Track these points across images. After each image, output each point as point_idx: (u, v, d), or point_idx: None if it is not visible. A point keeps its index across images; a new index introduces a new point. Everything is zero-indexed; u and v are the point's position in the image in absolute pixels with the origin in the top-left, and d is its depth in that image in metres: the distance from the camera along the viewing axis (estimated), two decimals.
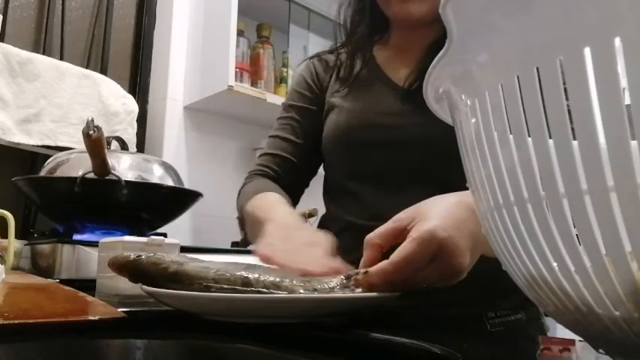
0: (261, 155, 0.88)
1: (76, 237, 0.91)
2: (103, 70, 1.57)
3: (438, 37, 0.77)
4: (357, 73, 0.81)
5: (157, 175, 1.08)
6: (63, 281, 0.79)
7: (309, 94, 0.87)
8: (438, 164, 0.70)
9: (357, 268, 0.51)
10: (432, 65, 0.30)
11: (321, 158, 0.86)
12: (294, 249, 0.59)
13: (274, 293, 0.44)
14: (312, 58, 0.91)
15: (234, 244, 1.61)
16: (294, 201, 0.86)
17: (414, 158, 0.73)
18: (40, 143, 1.35)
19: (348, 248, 0.75)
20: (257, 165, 0.87)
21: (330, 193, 0.85)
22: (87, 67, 1.53)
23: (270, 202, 0.75)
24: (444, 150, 0.69)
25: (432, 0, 0.73)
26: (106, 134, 0.89)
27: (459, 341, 0.42)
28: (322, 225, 0.84)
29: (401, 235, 0.49)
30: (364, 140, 0.76)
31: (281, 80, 1.80)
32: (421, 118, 0.69)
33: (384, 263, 0.46)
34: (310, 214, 1.40)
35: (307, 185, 0.89)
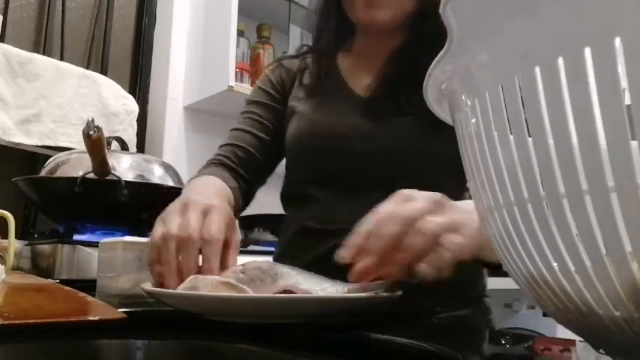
0: (222, 146, 0.84)
1: (76, 237, 0.90)
2: (103, 71, 1.57)
3: (400, 45, 0.78)
4: (320, 81, 0.81)
5: (157, 175, 1.08)
6: (63, 281, 0.79)
7: (274, 93, 0.86)
8: (394, 173, 0.71)
9: (313, 269, 0.51)
10: (432, 65, 0.30)
11: (281, 157, 0.86)
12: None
13: None
14: (279, 60, 0.91)
15: None
16: (249, 195, 0.84)
17: (370, 167, 0.73)
18: (40, 143, 1.36)
19: (304, 248, 0.76)
20: (216, 155, 0.83)
21: (287, 195, 0.85)
22: (87, 68, 1.53)
23: (205, 181, 0.73)
24: (400, 160, 0.71)
25: (396, 6, 0.74)
26: (106, 134, 0.89)
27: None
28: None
29: None
30: (322, 148, 0.76)
31: None
32: (379, 128, 0.71)
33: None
34: None
35: (264, 182, 0.87)
